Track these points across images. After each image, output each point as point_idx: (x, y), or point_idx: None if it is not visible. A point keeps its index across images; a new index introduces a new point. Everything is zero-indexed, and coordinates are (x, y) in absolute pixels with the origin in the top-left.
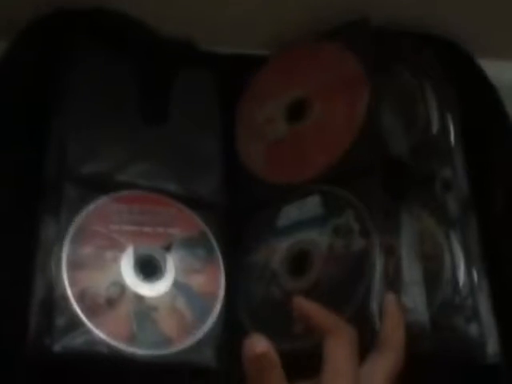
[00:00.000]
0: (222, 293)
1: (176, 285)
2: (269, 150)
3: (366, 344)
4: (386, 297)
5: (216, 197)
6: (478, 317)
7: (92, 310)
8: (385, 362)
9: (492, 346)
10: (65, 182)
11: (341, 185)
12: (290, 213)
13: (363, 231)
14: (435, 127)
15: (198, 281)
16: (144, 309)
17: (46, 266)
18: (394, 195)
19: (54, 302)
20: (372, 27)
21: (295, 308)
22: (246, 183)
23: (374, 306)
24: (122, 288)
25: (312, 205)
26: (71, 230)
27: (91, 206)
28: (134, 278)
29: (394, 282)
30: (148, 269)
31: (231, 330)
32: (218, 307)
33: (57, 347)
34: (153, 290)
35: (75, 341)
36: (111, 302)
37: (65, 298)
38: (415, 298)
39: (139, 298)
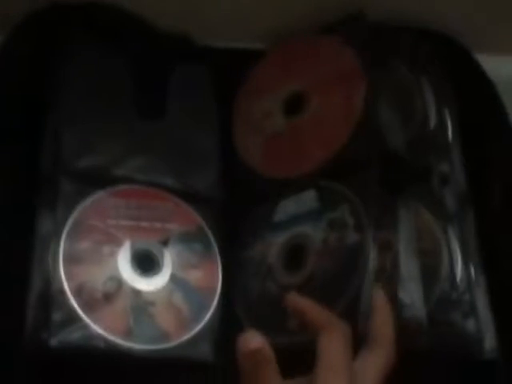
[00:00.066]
0: (219, 288)
1: (173, 279)
2: (266, 144)
3: (359, 338)
4: (375, 292)
5: (213, 191)
6: (475, 312)
7: (89, 305)
8: (376, 359)
9: (489, 342)
10: (61, 176)
11: (337, 179)
12: (287, 207)
13: (357, 225)
14: (432, 122)
15: (195, 276)
16: (141, 303)
17: (43, 260)
18: (391, 190)
19: (51, 297)
20: (370, 22)
21: (288, 304)
22: (244, 177)
23: (367, 300)
24: (119, 283)
25: (308, 199)
26: (68, 225)
27: (88, 201)
28: (131, 273)
29: (391, 278)
30: (145, 263)
31: (228, 325)
32: (215, 302)
33: (54, 342)
34: (150, 284)
35: (72, 335)
36: (108, 297)
37: (62, 292)
38: (412, 293)
39: (136, 293)
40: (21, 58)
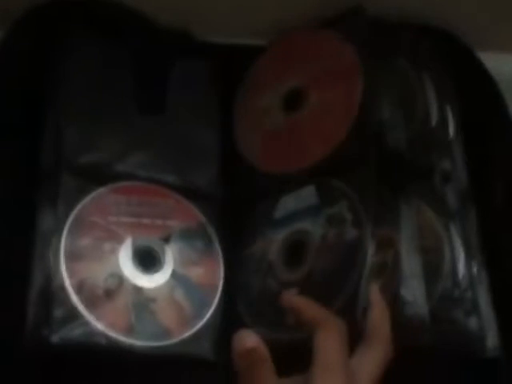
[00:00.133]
0: (220, 284)
1: (174, 276)
2: (265, 141)
3: (358, 334)
4: (371, 288)
5: (214, 188)
6: (477, 310)
7: (90, 302)
8: (373, 354)
9: (491, 340)
10: (62, 172)
11: (336, 175)
12: (287, 204)
13: (356, 221)
14: (434, 119)
15: (196, 272)
16: (142, 300)
17: (44, 256)
18: (392, 187)
19: (52, 293)
20: (371, 18)
21: (284, 303)
22: (244, 174)
23: (365, 297)
24: (121, 279)
25: (307, 195)
26: (69, 221)
27: (89, 197)
28: (132, 270)
29: (392, 275)
30: (146, 260)
31: (230, 322)
32: (216, 299)
33: (55, 338)
34: (151, 281)
35: (73, 332)
36: (109, 294)
37: (63, 289)
38: (415, 290)
39: (137, 290)
40: (21, 54)
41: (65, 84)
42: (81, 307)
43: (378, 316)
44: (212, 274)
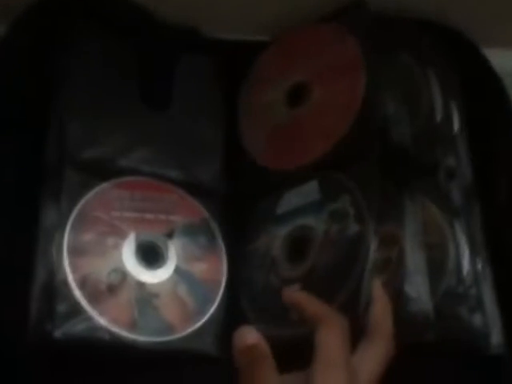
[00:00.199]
0: (223, 280)
1: (178, 272)
2: (269, 136)
3: (360, 330)
4: (373, 283)
5: (217, 183)
6: (481, 307)
7: (93, 297)
8: (375, 351)
9: (496, 337)
10: (65, 167)
11: (339, 170)
12: (290, 199)
13: (358, 216)
14: (439, 115)
15: (199, 268)
16: (145, 295)
17: (47, 252)
18: (397, 183)
19: (55, 288)
20: (374, 13)
21: (286, 300)
22: (248, 169)
23: (367, 292)
24: (124, 275)
25: (310, 191)
26: (72, 216)
27: (92, 192)
28: (135, 265)
29: (396, 271)
30: (150, 256)
31: (233, 317)
32: (219, 295)
33: (58, 333)
34: (154, 276)
35: (76, 327)
36: (112, 289)
37: (66, 284)
38: (419, 287)
39: (140, 285)
40: (24, 49)
41: (68, 79)
42: (84, 302)
43: (381, 312)
44: (215, 269)
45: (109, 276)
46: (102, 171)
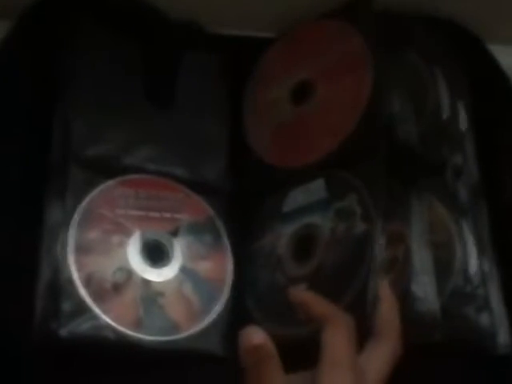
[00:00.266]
0: (229, 279)
1: (183, 270)
2: (274, 134)
3: (367, 329)
4: (381, 283)
5: (222, 181)
6: (489, 307)
7: (98, 295)
8: (382, 350)
9: (503, 337)
10: (70, 164)
11: (346, 168)
12: (296, 197)
13: (365, 215)
14: (446, 113)
15: (205, 267)
16: (151, 294)
17: (51, 250)
18: (403, 182)
19: (60, 287)
20: (381, 11)
21: (292, 299)
22: (253, 167)
23: (374, 292)
24: (129, 273)
25: (316, 189)
26: (77, 214)
27: (97, 190)
28: (140, 264)
29: (403, 270)
30: (155, 254)
31: (238, 316)
32: (225, 294)
33: (63, 332)
34: (159, 275)
35: (82, 326)
36: (117, 287)
37: (71, 282)
38: (425, 286)
39: (146, 284)
40: (30, 46)
41: (73, 77)
42: (89, 301)
43: (388, 311)
44: (220, 268)
45: (114, 274)
46: (106, 169)
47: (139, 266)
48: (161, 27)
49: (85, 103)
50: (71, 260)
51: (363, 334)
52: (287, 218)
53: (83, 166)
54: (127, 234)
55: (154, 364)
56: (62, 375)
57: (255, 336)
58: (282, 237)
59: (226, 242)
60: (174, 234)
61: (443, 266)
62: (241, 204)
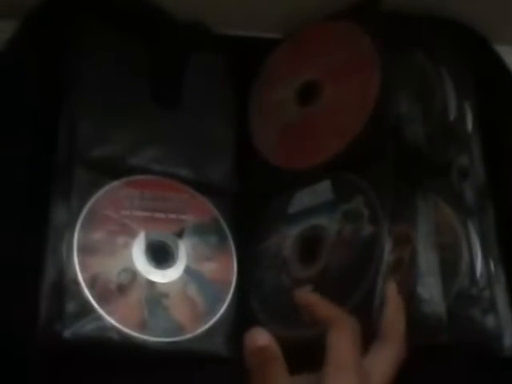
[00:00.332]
0: (234, 280)
1: (188, 272)
2: (280, 135)
3: (373, 332)
4: (388, 285)
5: (228, 182)
6: (494, 309)
7: (103, 296)
8: (387, 353)
9: (509, 339)
10: (76, 165)
11: (353, 170)
12: (302, 199)
13: (372, 217)
14: (452, 114)
15: (209, 268)
16: (155, 295)
17: (56, 250)
18: (410, 183)
19: (64, 288)
20: (387, 10)
21: (297, 301)
22: (259, 168)
23: (381, 294)
24: (134, 274)
25: (323, 190)
26: (82, 215)
27: (102, 191)
28: (145, 265)
29: (409, 271)
30: (160, 255)
31: (243, 318)
32: (229, 295)
33: (67, 333)
34: (164, 276)
35: (86, 327)
36: (122, 289)
37: (76, 283)
38: (431, 288)
39: (150, 285)
40: (36, 46)
41: (80, 77)
42: (93, 302)
43: (393, 313)
44: (225, 269)
45: (119, 275)
46: (112, 170)
47: (144, 267)
48: (167, 28)
49: (91, 104)
50: (76, 261)
51: (368, 337)
52: (293, 220)
53: (88, 167)
54: (132, 234)
55: (158, 365)
56: (67, 376)
57: (260, 338)
58: (287, 238)
59: (231, 243)
60: (179, 235)
61: (449, 267)
62: (246, 205)
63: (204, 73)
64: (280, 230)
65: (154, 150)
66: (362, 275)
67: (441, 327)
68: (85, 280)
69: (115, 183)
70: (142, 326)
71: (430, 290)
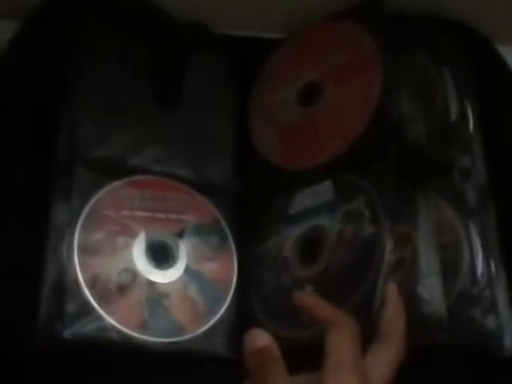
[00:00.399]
0: (234, 281)
1: (188, 272)
2: (282, 135)
3: (374, 332)
4: (388, 286)
5: (228, 182)
6: (495, 309)
7: (103, 297)
8: (386, 354)
9: (509, 339)
10: (76, 165)
11: (354, 170)
12: (303, 199)
13: (373, 217)
14: (454, 114)
15: (210, 268)
16: (156, 296)
17: (57, 250)
18: (411, 183)
19: (65, 288)
20: (389, 10)
21: (296, 302)
22: (259, 168)
23: (381, 294)
24: (134, 274)
25: (324, 190)
26: (83, 215)
27: (103, 191)
28: (145, 265)
29: (409, 271)
30: (160, 255)
31: (243, 318)
32: (230, 295)
33: (67, 334)
34: (164, 276)
35: (86, 327)
36: (122, 289)
37: (76, 283)
38: (432, 288)
39: (151, 285)
40: (37, 47)
41: (81, 77)
42: (94, 302)
43: (393, 314)
44: (226, 269)
45: (119, 276)
46: (112, 170)
47: (144, 268)
48: (167, 28)
49: (92, 104)
50: (76, 261)
51: (369, 337)
52: (293, 220)
53: (89, 167)
54: (132, 235)
55: (158, 365)
56: (67, 377)
57: (260, 339)
58: (288, 239)
59: (231, 243)
60: (180, 235)
61: (450, 267)
62: (247, 205)
63: (205, 73)
64: (281, 231)
65: (154, 150)
66: (363, 275)
67: (441, 327)
68: (85, 280)
69: (116, 183)
70: (143, 327)
71: (431, 290)
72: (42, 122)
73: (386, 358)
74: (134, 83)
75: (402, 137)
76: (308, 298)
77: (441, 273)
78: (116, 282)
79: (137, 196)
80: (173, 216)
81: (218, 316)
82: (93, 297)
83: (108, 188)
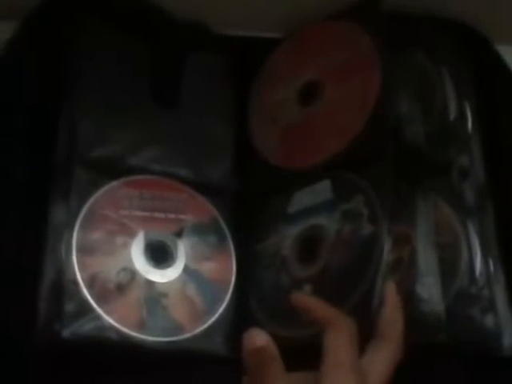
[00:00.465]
0: (233, 280)
1: (187, 271)
2: (281, 134)
3: (370, 331)
4: (387, 285)
5: (227, 182)
6: (494, 308)
7: (102, 296)
8: (384, 353)
9: (508, 338)
10: (75, 165)
11: (352, 169)
12: (302, 199)
13: (372, 217)
14: (452, 114)
15: (208, 267)
16: (154, 295)
17: (55, 250)
18: (410, 182)
19: (63, 287)
20: (388, 10)
21: (294, 303)
22: (258, 168)
23: (380, 294)
24: (133, 274)
25: (323, 190)
26: (81, 215)
27: (101, 191)
28: (144, 264)
29: (408, 271)
30: (159, 255)
31: (242, 317)
32: (228, 294)
33: (66, 333)
34: (163, 276)
35: (85, 327)
36: (121, 288)
37: (75, 283)
38: (431, 288)
39: (149, 284)
40: (36, 46)
41: (80, 77)
42: (92, 302)
43: (391, 313)
44: (224, 269)
45: (118, 275)
46: (111, 170)
47: (143, 267)
48: (167, 28)
49: (91, 104)
50: (75, 260)
51: (367, 336)
52: (292, 219)
53: (88, 167)
54: (131, 234)
55: (157, 365)
56: (65, 376)
57: (258, 338)
58: (286, 238)
59: (230, 242)
60: (178, 234)
61: (448, 266)
62: (245, 205)
63: (204, 73)
64: (279, 230)
65: (153, 149)
66: (362, 275)
67: (440, 326)
68: (83, 280)
69: (114, 183)
70: (141, 326)
71: (429, 290)
72: (41, 121)
73: (383, 357)
74: (134, 83)
75: (401, 136)
76: (306, 299)
77: (439, 272)
78: (115, 281)
79: (135, 196)
80: (171, 216)
81: (217, 315)
82: (91, 296)
83: (106, 188)
